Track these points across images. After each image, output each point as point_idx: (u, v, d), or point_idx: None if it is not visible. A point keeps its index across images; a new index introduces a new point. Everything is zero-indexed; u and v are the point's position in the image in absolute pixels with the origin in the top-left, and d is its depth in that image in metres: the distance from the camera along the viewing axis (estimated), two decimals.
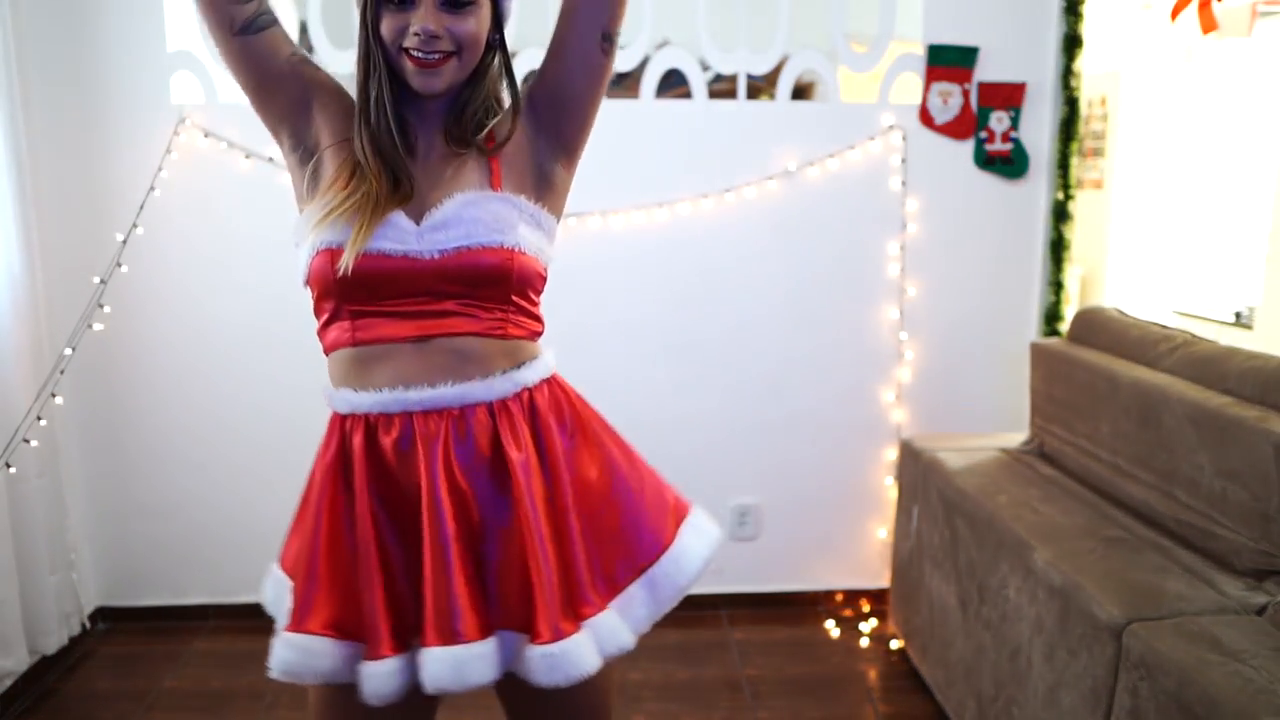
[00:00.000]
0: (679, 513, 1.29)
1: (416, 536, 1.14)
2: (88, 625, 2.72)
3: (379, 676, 1.12)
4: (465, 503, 1.16)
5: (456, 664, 1.10)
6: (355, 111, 1.20)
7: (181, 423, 2.75)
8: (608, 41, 1.26)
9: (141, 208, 2.57)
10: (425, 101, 1.21)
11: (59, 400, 2.49)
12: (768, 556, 2.91)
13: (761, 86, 2.93)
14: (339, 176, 1.18)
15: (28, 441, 2.37)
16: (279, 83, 1.21)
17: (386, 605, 1.14)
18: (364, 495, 1.15)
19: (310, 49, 2.58)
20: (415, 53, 1.14)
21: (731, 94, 2.71)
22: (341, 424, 1.20)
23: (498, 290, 1.17)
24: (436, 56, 1.15)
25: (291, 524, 1.27)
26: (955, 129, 2.73)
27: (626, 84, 2.95)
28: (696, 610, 2.89)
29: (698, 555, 1.26)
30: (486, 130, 1.24)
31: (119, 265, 2.55)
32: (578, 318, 2.74)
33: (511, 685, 1.19)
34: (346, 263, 1.12)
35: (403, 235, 1.14)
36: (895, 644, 2.67)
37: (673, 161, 2.71)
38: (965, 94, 2.71)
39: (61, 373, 2.49)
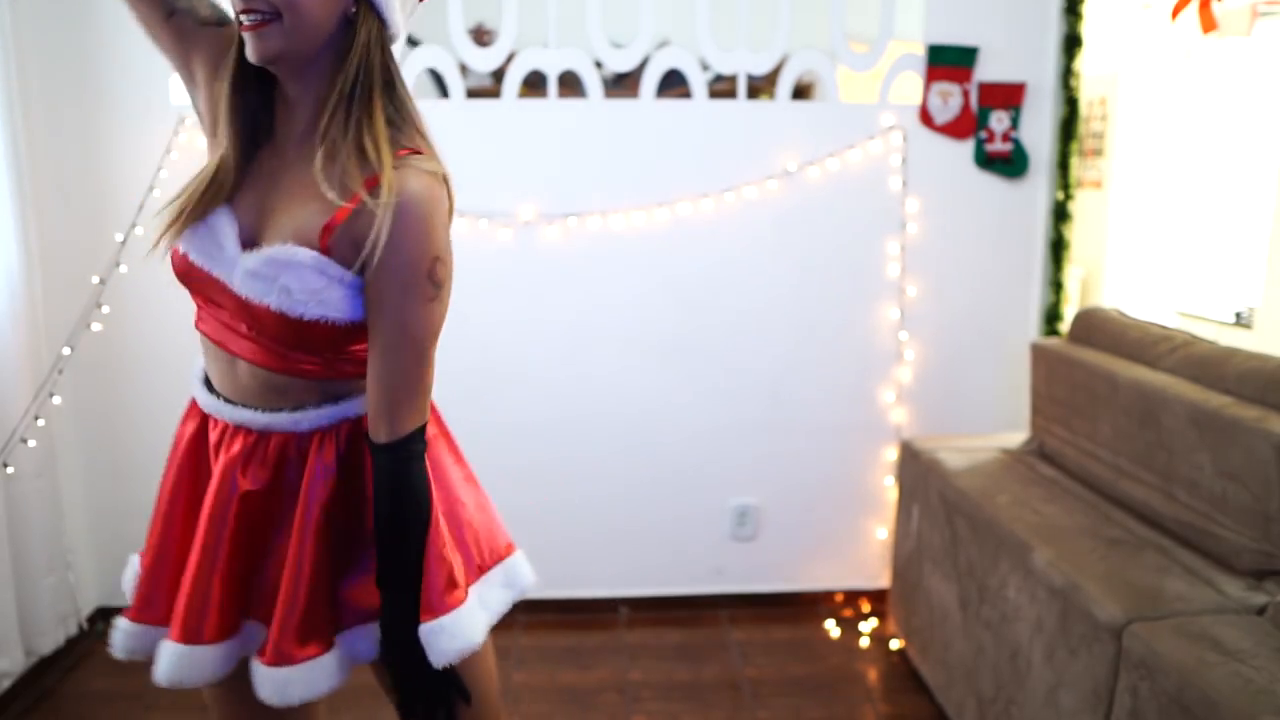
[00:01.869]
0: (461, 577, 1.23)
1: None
2: (85, 626, 2.72)
3: (125, 635, 1.23)
4: (253, 509, 1.18)
5: (186, 660, 1.16)
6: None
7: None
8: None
9: (141, 208, 2.56)
10: (288, 85, 1.12)
11: (57, 400, 2.49)
12: (768, 556, 2.91)
13: (761, 86, 2.93)
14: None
15: (25, 442, 2.37)
16: (175, 54, 1.21)
17: (172, 580, 1.22)
18: (175, 471, 1.25)
19: None
20: (241, 17, 1.06)
21: (731, 94, 2.71)
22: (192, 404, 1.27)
23: (308, 346, 1.14)
24: (255, 18, 1.05)
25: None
26: (955, 129, 2.73)
27: (626, 84, 2.95)
28: (696, 610, 2.89)
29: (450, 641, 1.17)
30: (350, 137, 1.09)
31: (118, 265, 2.55)
32: (577, 317, 2.74)
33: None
34: (158, 247, 1.16)
35: (222, 256, 1.12)
36: (895, 644, 2.67)
37: (673, 161, 2.71)
38: (965, 94, 2.71)
39: (60, 373, 2.49)
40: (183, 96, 2.60)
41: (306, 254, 1.08)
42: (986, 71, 2.72)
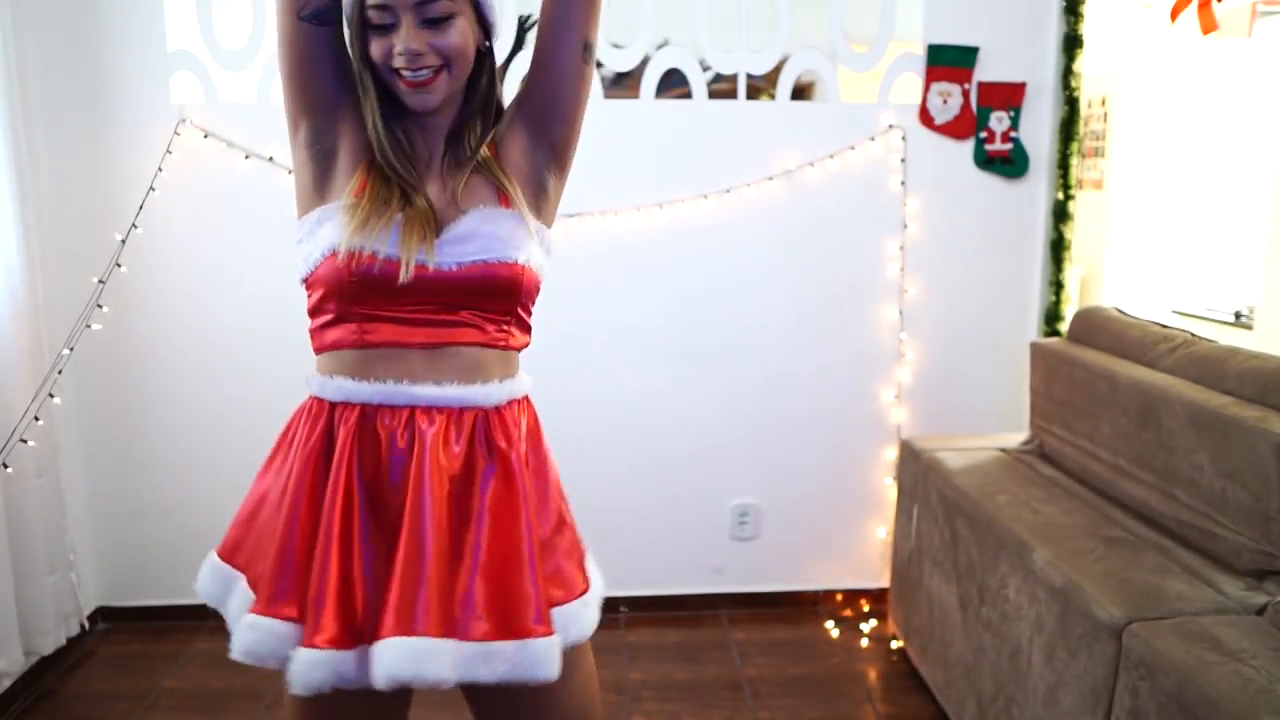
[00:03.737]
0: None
1: (394, 532, 1.12)
2: (86, 625, 2.72)
3: (309, 665, 1.08)
4: (449, 500, 1.15)
5: (414, 655, 1.06)
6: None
7: (181, 422, 2.75)
8: (587, 50, 1.26)
9: (141, 208, 2.57)
10: (428, 115, 1.23)
11: (57, 400, 2.49)
12: (768, 556, 2.91)
13: (761, 86, 2.93)
14: (360, 186, 1.20)
15: (25, 442, 2.37)
16: (317, 77, 1.21)
17: (339, 593, 1.10)
18: (343, 481, 1.14)
19: None
20: (404, 73, 1.15)
21: (731, 94, 2.71)
22: (330, 411, 1.19)
23: (506, 303, 1.22)
24: (425, 74, 1.16)
25: (240, 515, 1.27)
26: (955, 129, 2.73)
27: (626, 84, 2.95)
28: (696, 610, 2.89)
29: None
30: (487, 141, 1.27)
31: (118, 265, 2.55)
32: (577, 318, 2.74)
33: (483, 692, 1.20)
34: (406, 275, 1.14)
35: (423, 249, 1.17)
36: (895, 644, 2.67)
37: (673, 161, 2.71)
38: (965, 94, 2.71)
39: (60, 373, 2.49)
40: (183, 96, 2.61)
41: (497, 209, 1.22)
42: (986, 71, 2.72)
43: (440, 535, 1.12)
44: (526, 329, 1.30)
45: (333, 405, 1.19)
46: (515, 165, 1.28)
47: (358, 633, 1.11)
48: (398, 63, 1.15)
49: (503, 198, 1.24)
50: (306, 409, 1.23)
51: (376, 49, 1.16)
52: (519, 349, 1.29)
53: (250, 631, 1.14)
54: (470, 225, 1.19)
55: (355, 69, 1.20)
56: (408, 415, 1.17)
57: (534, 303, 1.28)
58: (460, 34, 1.17)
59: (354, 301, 1.16)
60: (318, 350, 1.24)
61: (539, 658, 1.12)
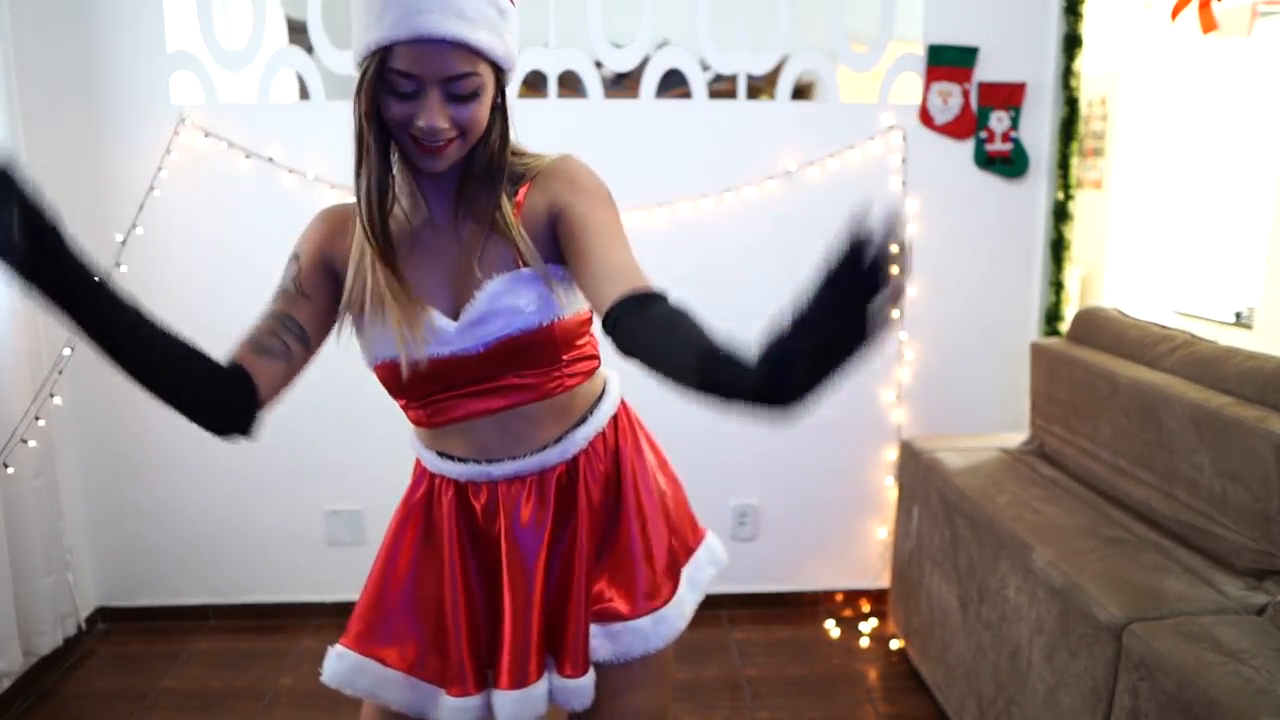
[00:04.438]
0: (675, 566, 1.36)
1: (495, 585, 1.25)
2: (84, 626, 2.72)
3: (463, 711, 1.23)
4: (539, 557, 1.24)
5: (523, 702, 1.22)
6: (357, 209, 1.16)
7: (181, 423, 2.73)
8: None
9: (141, 208, 2.57)
10: (432, 183, 1.20)
11: (57, 401, 2.49)
12: (768, 556, 2.91)
13: (761, 86, 2.93)
14: (359, 296, 1.18)
15: (25, 442, 2.37)
16: (321, 313, 1.21)
17: (471, 648, 1.24)
18: (455, 544, 1.25)
19: (310, 49, 2.58)
20: (421, 140, 1.10)
21: (731, 94, 2.71)
22: (431, 477, 1.29)
23: (546, 359, 1.21)
24: (441, 143, 1.11)
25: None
26: (955, 129, 2.73)
27: (626, 84, 2.95)
28: (696, 610, 2.89)
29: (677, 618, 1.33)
30: (500, 200, 1.19)
31: (119, 265, 2.55)
32: None
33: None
34: (405, 376, 1.16)
35: (445, 338, 1.17)
36: (895, 644, 2.67)
37: (673, 161, 2.70)
38: (965, 94, 2.71)
39: (60, 373, 2.49)
40: (183, 96, 2.61)
41: (514, 275, 1.16)
42: (986, 71, 2.71)
43: (540, 597, 1.24)
44: (586, 357, 1.28)
45: (433, 474, 1.28)
46: (531, 221, 1.20)
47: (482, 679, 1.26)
48: (416, 131, 1.09)
49: (518, 253, 1.18)
50: (416, 462, 1.32)
51: (396, 111, 1.09)
52: (582, 382, 1.27)
53: (338, 662, 1.27)
54: (489, 303, 1.16)
55: (357, 127, 1.12)
56: (492, 489, 1.25)
57: (582, 336, 1.26)
58: (480, 105, 1.12)
59: (405, 394, 1.22)
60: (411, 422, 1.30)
61: (570, 695, 1.25)
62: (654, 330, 0.97)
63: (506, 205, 1.18)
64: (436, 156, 1.12)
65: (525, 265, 1.17)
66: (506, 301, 1.16)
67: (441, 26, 1.05)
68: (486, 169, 1.18)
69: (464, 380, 1.20)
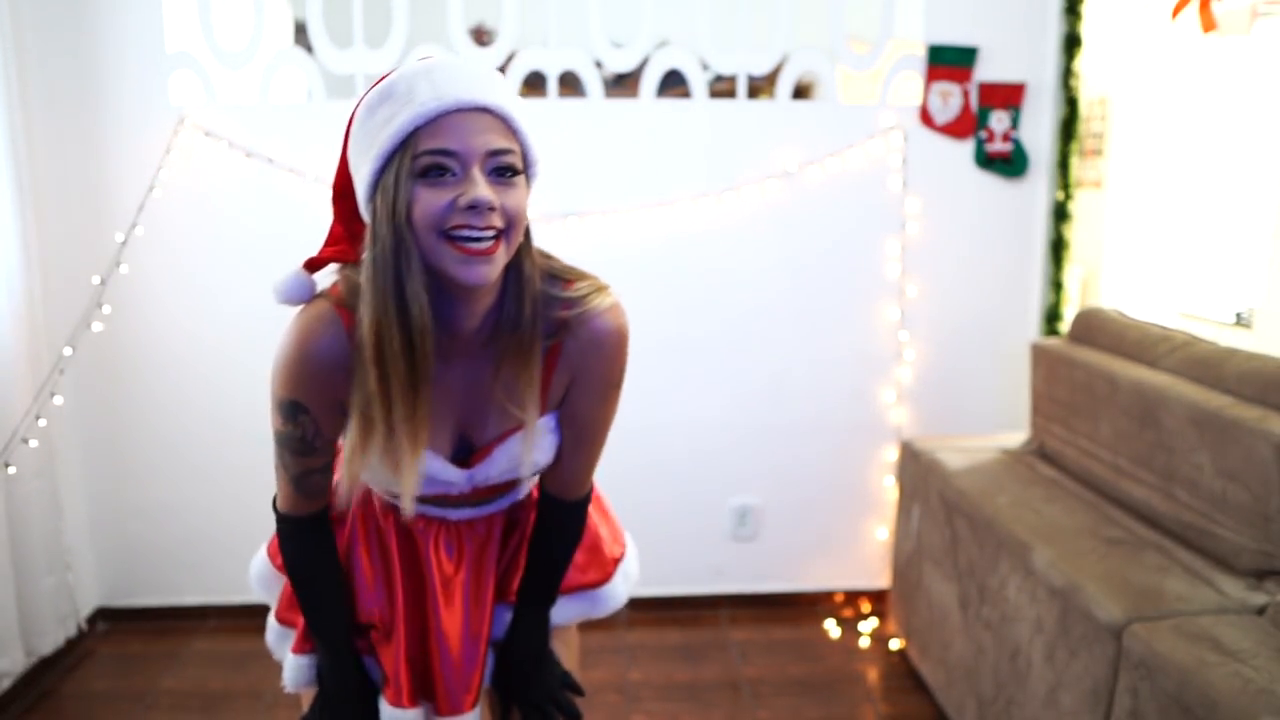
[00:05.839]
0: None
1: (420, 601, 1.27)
2: (85, 627, 2.72)
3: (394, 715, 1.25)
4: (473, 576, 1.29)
5: None
6: (365, 343, 1.01)
7: (181, 423, 2.75)
8: None
9: (141, 208, 2.56)
10: (462, 304, 1.05)
11: (58, 400, 2.49)
12: (768, 557, 2.91)
13: (761, 86, 2.93)
14: (364, 440, 1.07)
15: (26, 441, 2.37)
16: (338, 434, 1.13)
17: (408, 659, 1.25)
18: (397, 557, 1.27)
19: (310, 49, 2.58)
20: (464, 233, 0.96)
21: (731, 94, 2.71)
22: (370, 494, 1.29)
23: (526, 481, 1.28)
24: (490, 235, 0.97)
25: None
26: (955, 129, 2.73)
27: (626, 84, 2.95)
28: (696, 610, 2.89)
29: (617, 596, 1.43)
30: (534, 349, 1.10)
31: (119, 265, 2.55)
32: None
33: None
34: (407, 513, 1.14)
35: (448, 484, 1.18)
36: (895, 644, 2.67)
37: (673, 161, 2.70)
38: (965, 94, 2.71)
39: (61, 373, 2.49)
40: (183, 96, 2.61)
41: (539, 424, 1.15)
42: (986, 71, 2.72)
43: (464, 617, 1.26)
44: None
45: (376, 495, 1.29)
46: (553, 381, 1.16)
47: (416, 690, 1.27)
48: (458, 219, 0.95)
49: (544, 398, 1.14)
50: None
51: (427, 203, 0.95)
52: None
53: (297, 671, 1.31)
54: (502, 459, 1.17)
55: (392, 233, 0.97)
56: (439, 524, 1.28)
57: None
58: (524, 194, 1.02)
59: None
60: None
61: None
62: (545, 527, 1.29)
63: (537, 359, 1.09)
64: (484, 259, 0.97)
65: (545, 410, 1.17)
66: (517, 451, 1.17)
67: (485, 95, 0.98)
68: (526, 294, 1.06)
69: (451, 505, 1.26)
